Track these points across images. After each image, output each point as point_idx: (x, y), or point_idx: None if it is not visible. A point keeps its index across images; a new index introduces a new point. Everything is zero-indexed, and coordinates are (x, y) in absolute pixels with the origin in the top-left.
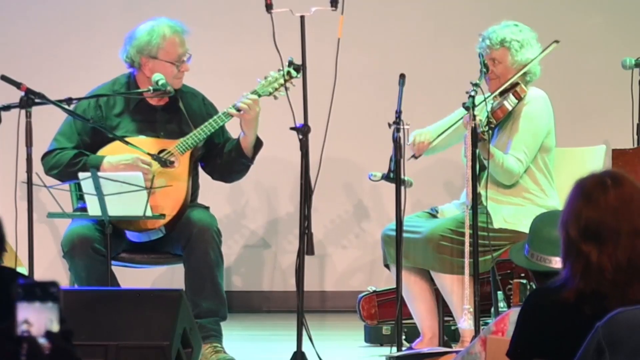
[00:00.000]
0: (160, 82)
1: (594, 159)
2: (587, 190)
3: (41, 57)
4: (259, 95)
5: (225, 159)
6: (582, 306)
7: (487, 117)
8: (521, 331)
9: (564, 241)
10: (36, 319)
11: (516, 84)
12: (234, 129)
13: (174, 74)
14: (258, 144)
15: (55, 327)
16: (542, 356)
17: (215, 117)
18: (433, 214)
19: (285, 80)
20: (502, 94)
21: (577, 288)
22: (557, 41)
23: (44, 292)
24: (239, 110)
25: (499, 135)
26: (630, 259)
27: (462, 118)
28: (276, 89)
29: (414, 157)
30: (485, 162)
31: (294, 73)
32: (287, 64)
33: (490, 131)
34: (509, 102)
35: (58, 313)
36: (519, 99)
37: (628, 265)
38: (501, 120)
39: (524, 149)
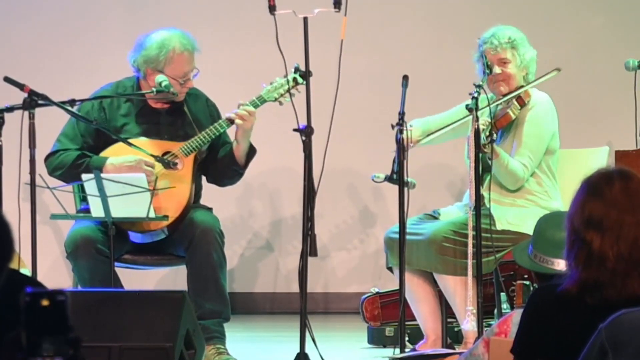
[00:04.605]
0: (163, 84)
1: (597, 160)
2: (593, 184)
3: (44, 58)
4: (264, 101)
5: (218, 164)
6: (584, 296)
7: (490, 125)
8: (524, 328)
9: (568, 233)
10: None
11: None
12: (232, 134)
13: (177, 88)
14: (251, 152)
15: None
16: (546, 354)
17: (220, 121)
18: (435, 217)
19: (291, 87)
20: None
21: (579, 278)
22: (558, 69)
23: (51, 301)
24: (232, 122)
25: (502, 139)
26: (632, 250)
27: (459, 120)
28: (281, 95)
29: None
30: (490, 162)
31: (299, 80)
32: (292, 70)
33: (492, 143)
34: (513, 110)
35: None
36: (523, 104)
37: (629, 256)
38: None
39: (529, 154)
